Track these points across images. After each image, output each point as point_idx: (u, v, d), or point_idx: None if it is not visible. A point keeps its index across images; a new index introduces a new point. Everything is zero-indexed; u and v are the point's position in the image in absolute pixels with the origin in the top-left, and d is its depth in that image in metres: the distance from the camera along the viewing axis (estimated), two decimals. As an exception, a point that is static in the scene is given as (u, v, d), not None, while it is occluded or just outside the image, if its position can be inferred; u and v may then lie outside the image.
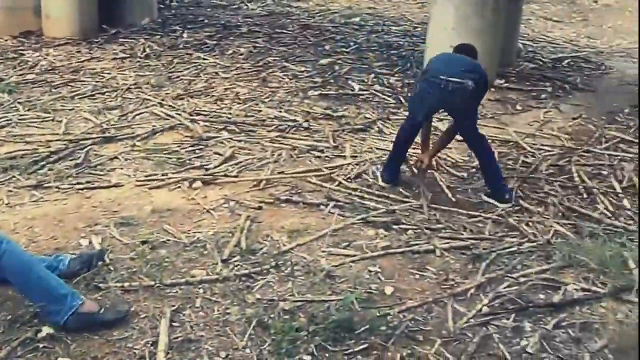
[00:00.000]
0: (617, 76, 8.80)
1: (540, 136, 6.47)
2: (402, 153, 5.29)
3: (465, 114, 5.09)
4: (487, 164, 5.15)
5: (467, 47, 5.37)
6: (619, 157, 5.98)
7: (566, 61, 9.30)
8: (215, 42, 9.42)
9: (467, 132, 5.19)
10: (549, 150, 6.07)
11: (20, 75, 7.74)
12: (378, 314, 3.61)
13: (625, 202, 5.06)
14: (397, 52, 9.24)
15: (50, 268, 3.67)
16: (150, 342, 3.35)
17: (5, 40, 9.09)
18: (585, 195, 5.17)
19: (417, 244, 4.36)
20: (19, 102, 6.80)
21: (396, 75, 8.14)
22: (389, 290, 3.87)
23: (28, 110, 6.63)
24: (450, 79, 4.82)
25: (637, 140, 6.42)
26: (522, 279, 4.01)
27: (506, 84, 7.91)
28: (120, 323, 3.45)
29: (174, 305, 3.63)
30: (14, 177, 5.15)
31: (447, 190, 5.15)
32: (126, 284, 3.77)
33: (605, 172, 5.65)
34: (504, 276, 4.04)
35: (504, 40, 8.04)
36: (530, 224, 4.68)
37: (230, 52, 8.98)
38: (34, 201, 4.82)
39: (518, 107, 7.23)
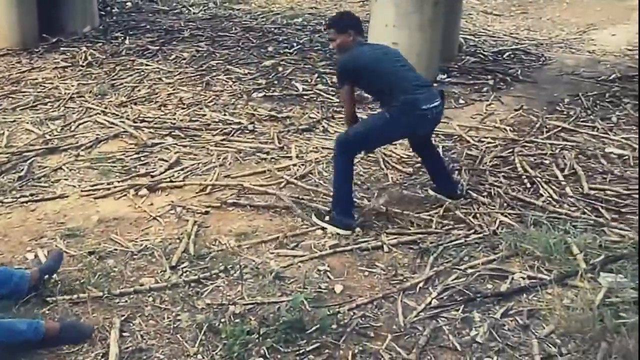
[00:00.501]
0: (557, 67, 8.97)
1: (484, 129, 6.57)
2: (351, 188, 4.65)
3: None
4: (443, 159, 5.18)
5: (354, 19, 4.88)
6: (560, 146, 6.10)
7: (507, 54, 9.46)
8: (157, 47, 9.34)
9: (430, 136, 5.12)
10: (492, 142, 6.16)
11: (-41, 88, 7.58)
12: (328, 313, 3.62)
13: (568, 190, 5.16)
14: (341, 51, 9.26)
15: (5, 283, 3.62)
16: (101, 354, 3.32)
17: (-58, 53, 8.90)
18: (528, 185, 5.26)
19: (365, 241, 4.39)
20: (-42, 116, 6.67)
21: (340, 74, 8.17)
22: (338, 288, 3.89)
23: (-33, 124, 6.51)
24: (432, 105, 4.57)
25: (577, 129, 6.57)
26: (469, 271, 4.07)
27: (448, 79, 8.02)
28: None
29: (123, 315, 3.60)
30: (-45, 192, 5.05)
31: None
32: (74, 296, 3.72)
33: (547, 161, 5.75)
34: (451, 268, 4.10)
35: (445, 35, 8.13)
36: (477, 215, 4.75)
37: (173, 57, 8.92)
38: (-24, 216, 4.73)
39: (461, 101, 7.33)
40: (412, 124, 4.59)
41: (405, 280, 4.01)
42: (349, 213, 4.56)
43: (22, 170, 5.45)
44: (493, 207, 4.87)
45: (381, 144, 5.08)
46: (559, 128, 6.57)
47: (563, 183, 5.29)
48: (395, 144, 5.91)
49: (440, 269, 4.09)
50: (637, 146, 6.02)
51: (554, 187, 5.22)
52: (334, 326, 3.53)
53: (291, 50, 9.24)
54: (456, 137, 6.27)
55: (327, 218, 4.57)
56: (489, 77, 8.18)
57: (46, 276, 3.79)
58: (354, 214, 4.60)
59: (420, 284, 3.94)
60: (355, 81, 4.71)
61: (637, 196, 5.01)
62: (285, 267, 4.08)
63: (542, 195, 5.07)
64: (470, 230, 4.55)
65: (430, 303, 3.77)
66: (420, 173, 5.46)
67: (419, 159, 5.22)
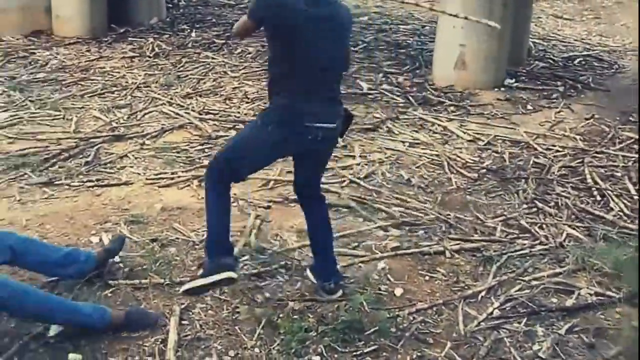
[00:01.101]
0: (631, 75, 8.72)
1: (552, 137, 6.42)
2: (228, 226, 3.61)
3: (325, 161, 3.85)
4: (330, 232, 3.92)
5: None
6: (633, 159, 5.91)
7: (578, 60, 9.24)
8: (223, 41, 9.40)
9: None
10: (560, 151, 6.01)
11: (32, 74, 7.74)
12: (388, 316, 3.59)
13: (640, 205, 5.00)
14: (406, 51, 9.20)
15: (68, 258, 3.69)
16: (160, 340, 3.35)
17: (17, 40, 9.11)
18: (598, 198, 5.11)
19: (427, 245, 4.32)
20: (30, 100, 6.81)
21: (405, 74, 8.10)
22: (398, 291, 3.85)
23: (39, 108, 6.65)
24: (321, 125, 3.41)
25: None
26: (534, 283, 3.97)
27: (516, 84, 7.86)
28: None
29: (183, 304, 3.62)
30: (25, 174, 5.17)
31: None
32: (136, 282, 3.77)
33: (619, 174, 5.58)
34: (515, 279, 4.01)
35: (513, 38, 7.99)
36: (543, 226, 4.64)
37: (238, 51, 8.96)
38: (45, 198, 4.84)
39: (529, 107, 7.18)
40: (284, 139, 3.42)
41: (466, 287, 3.93)
42: (226, 251, 3.58)
43: (89, 155, 5.54)
44: (560, 219, 4.75)
45: (254, 163, 3.63)
46: (632, 139, 6.37)
47: (635, 197, 5.12)
48: (461, 148, 5.83)
49: (504, 278, 4.00)
50: None
51: (625, 201, 5.06)
52: (393, 329, 3.50)
53: (356, 49, 9.18)
54: (523, 144, 6.15)
55: (200, 272, 3.68)
56: (559, 83, 7.99)
57: (110, 259, 3.86)
58: (233, 251, 3.74)
59: (482, 293, 3.87)
60: (266, 28, 3.43)
61: None
62: (345, 266, 4.04)
63: (612, 209, 4.93)
64: (536, 240, 4.46)
65: (492, 313, 3.69)
66: (485, 179, 5.36)
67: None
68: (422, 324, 3.58)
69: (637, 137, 6.45)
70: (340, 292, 3.76)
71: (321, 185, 4.87)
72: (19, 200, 4.77)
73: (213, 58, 8.58)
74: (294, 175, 3.82)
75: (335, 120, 3.48)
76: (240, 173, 3.59)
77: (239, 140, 3.63)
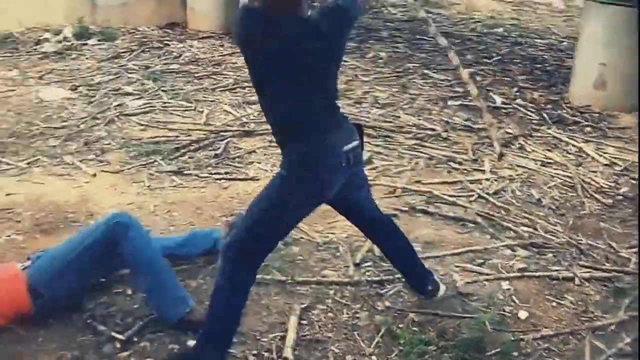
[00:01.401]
0: None
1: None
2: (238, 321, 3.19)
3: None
4: (406, 241, 3.69)
5: None
6: None
7: None
8: (355, 44, 9.38)
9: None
10: None
11: (165, 64, 8.01)
12: (512, 339, 3.46)
13: None
14: (542, 66, 8.88)
15: (191, 238, 3.87)
16: (279, 337, 3.37)
17: (152, 30, 9.47)
18: None
19: (555, 270, 4.14)
20: (162, 90, 7.05)
21: (540, 90, 7.82)
22: (523, 314, 3.71)
23: (171, 98, 6.87)
24: (349, 147, 3.09)
25: None
26: (669, 321, 3.73)
27: (658, 109, 7.43)
28: None
29: (303, 303, 3.63)
30: (155, 161, 5.36)
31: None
32: (258, 277, 3.75)
33: None
34: (649, 315, 3.78)
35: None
36: (684, 262, 4.36)
37: (370, 55, 8.93)
38: (173, 186, 4.99)
39: (671, 136, 6.78)
40: (319, 182, 3.09)
41: (595, 319, 3.73)
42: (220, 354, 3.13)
43: (219, 148, 5.66)
44: None
45: (287, 228, 3.27)
46: None
47: None
48: (596, 171, 5.57)
49: (636, 314, 3.76)
50: None
51: None
52: (515, 353, 3.37)
53: (490, 61, 8.97)
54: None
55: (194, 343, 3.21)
56: None
57: None
58: None
59: (612, 327, 3.66)
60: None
61: None
62: (469, 283, 3.93)
63: None
64: (674, 277, 4.19)
65: (621, 349, 3.48)
66: (621, 207, 5.10)
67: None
68: (547, 352, 3.42)
69: None
70: (443, 288, 3.71)
71: (448, 198, 4.89)
72: (148, 187, 4.95)
73: (344, 61, 8.56)
74: (353, 221, 3.60)
75: (355, 137, 3.14)
76: (268, 243, 3.20)
77: (264, 208, 3.12)
